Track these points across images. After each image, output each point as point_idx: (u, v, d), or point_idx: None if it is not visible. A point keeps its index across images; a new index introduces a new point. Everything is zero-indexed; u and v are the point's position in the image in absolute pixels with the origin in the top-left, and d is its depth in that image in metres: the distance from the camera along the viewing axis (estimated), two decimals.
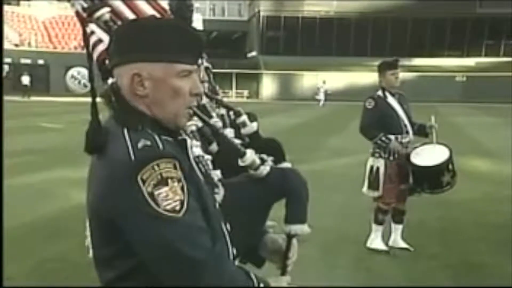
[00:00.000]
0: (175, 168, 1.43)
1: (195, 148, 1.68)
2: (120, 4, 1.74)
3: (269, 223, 1.95)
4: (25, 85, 40.11)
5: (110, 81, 1.60)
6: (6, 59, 43.66)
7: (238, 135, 2.60)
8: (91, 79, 1.68)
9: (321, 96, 38.55)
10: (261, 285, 1.57)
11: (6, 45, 44.49)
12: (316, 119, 23.79)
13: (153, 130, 1.51)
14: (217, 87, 4.10)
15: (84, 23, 1.69)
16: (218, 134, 1.99)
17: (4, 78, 44.62)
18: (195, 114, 1.83)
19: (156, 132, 1.51)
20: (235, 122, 2.65)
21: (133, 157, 1.42)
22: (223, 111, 3.32)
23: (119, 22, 1.67)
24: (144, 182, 1.39)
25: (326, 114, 27.06)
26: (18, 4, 48.32)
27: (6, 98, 36.48)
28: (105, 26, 1.70)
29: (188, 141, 1.64)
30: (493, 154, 12.96)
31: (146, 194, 1.39)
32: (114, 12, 1.72)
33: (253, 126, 2.50)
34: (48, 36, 48.35)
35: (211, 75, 3.93)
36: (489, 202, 7.22)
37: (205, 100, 3.86)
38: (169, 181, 1.41)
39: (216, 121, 2.58)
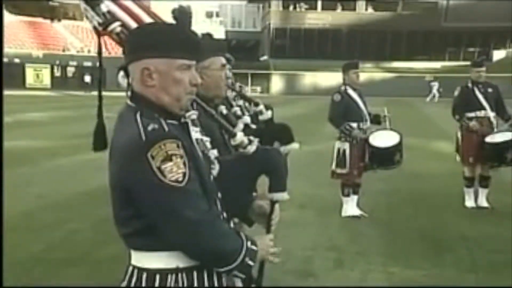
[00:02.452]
0: (178, 147, 1.42)
1: (195, 133, 1.64)
2: (128, 18, 1.76)
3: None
4: (87, 83, 40.21)
5: (120, 74, 1.56)
6: (72, 62, 43.80)
7: (255, 121, 2.57)
8: (99, 89, 1.69)
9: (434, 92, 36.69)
10: (249, 242, 1.53)
11: (72, 51, 44.65)
12: (315, 110, 23.59)
13: (160, 115, 1.48)
14: (238, 84, 4.09)
15: (100, 36, 1.74)
16: (214, 120, 1.93)
17: (70, 78, 44.83)
18: (196, 103, 1.78)
19: (163, 116, 1.48)
20: (254, 110, 2.63)
21: (144, 138, 1.40)
22: (240, 102, 3.30)
23: None
24: (153, 158, 1.38)
25: (323, 106, 26.86)
26: (82, 20, 48.33)
27: (72, 92, 36.68)
28: (117, 37, 1.73)
29: (190, 124, 1.61)
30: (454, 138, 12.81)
31: (155, 168, 1.38)
32: (124, 25, 1.74)
33: (268, 114, 2.49)
34: (105, 44, 47.88)
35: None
36: (452, 177, 7.14)
37: (230, 93, 3.85)
38: (173, 157, 1.40)
39: (236, 110, 2.55)
